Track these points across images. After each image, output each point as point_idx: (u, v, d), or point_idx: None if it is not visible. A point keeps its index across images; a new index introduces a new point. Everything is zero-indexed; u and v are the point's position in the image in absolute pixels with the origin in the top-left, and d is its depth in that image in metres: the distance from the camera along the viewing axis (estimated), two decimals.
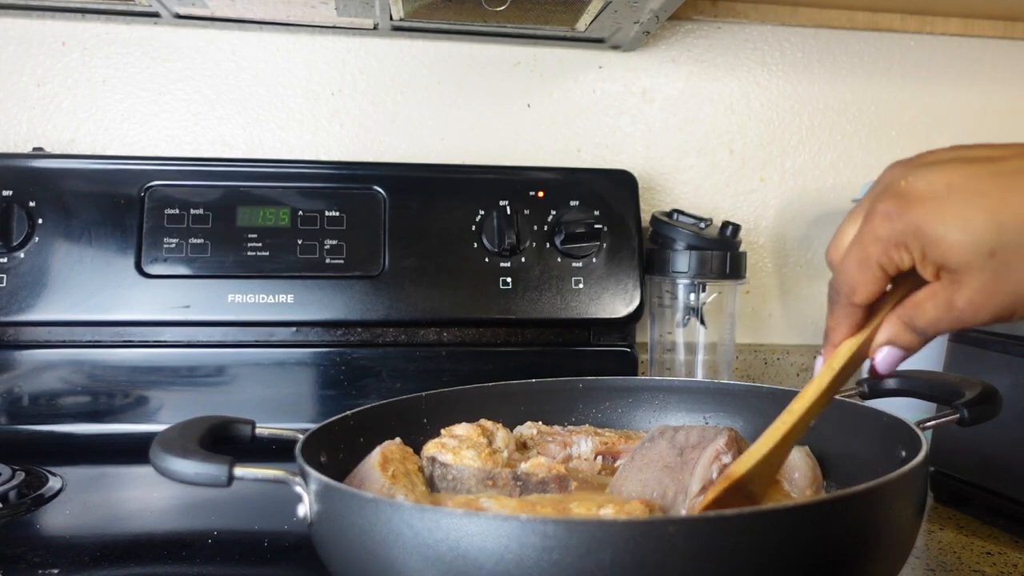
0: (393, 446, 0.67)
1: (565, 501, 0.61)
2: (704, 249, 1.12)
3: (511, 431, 0.75)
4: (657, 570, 0.45)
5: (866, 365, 0.56)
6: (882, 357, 0.53)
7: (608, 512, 0.56)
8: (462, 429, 0.71)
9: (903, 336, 0.52)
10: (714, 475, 0.60)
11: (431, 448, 0.68)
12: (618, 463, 0.73)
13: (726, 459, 0.61)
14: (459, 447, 0.67)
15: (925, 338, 0.51)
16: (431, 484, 0.66)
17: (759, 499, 0.57)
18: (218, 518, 0.78)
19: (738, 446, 0.63)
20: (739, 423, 0.76)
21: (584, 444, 0.74)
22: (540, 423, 0.78)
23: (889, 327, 0.52)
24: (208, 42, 1.17)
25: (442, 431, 0.71)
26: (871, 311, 0.53)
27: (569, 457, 0.74)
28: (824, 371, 0.54)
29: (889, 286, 0.53)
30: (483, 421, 0.73)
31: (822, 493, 0.67)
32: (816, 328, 1.32)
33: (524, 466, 0.67)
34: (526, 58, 1.24)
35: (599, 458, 0.74)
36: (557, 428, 0.77)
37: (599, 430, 0.77)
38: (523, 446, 0.75)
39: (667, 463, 0.64)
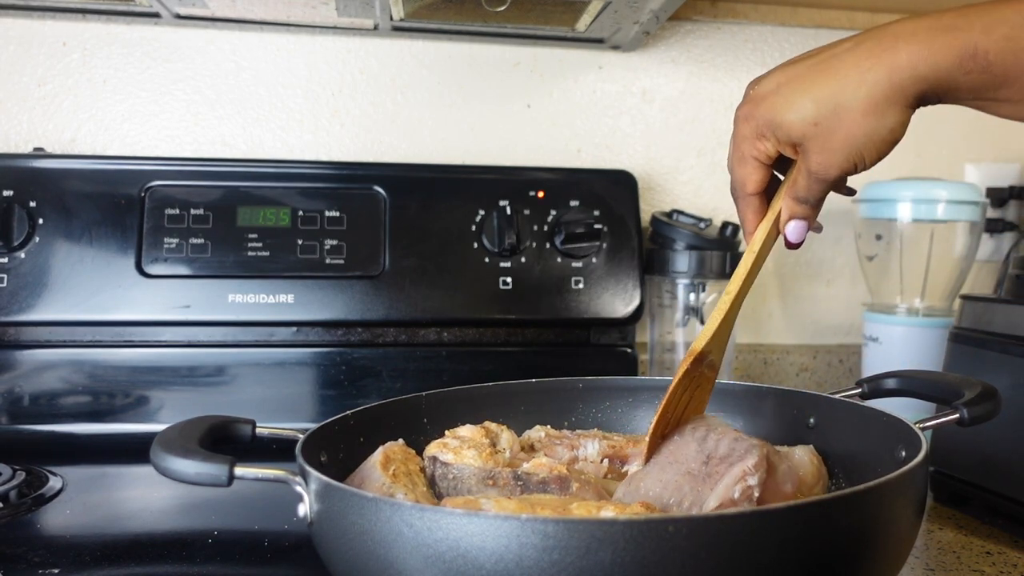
0: (396, 447, 0.67)
1: (565, 503, 0.61)
2: (704, 249, 1.12)
3: (515, 433, 0.75)
4: (657, 570, 0.45)
5: None
6: (791, 230, 0.65)
7: (608, 513, 0.56)
8: (466, 431, 0.71)
9: (796, 208, 0.64)
10: (736, 495, 0.59)
11: (433, 448, 0.68)
12: (625, 468, 0.72)
13: (752, 481, 0.59)
14: (460, 447, 0.67)
15: (810, 204, 0.63)
16: (432, 484, 0.66)
17: (717, 366, 0.68)
18: (218, 518, 0.78)
19: (769, 464, 0.61)
20: (739, 423, 0.76)
21: (591, 446, 0.74)
22: (548, 427, 0.78)
23: (785, 206, 0.64)
24: (208, 42, 1.18)
25: (446, 432, 0.71)
26: (767, 198, 0.66)
27: (575, 459, 0.73)
28: (746, 255, 0.66)
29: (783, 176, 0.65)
30: (487, 423, 0.73)
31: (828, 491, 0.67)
32: (816, 328, 1.32)
33: (526, 466, 0.66)
34: (526, 58, 1.24)
35: (605, 461, 0.73)
36: (566, 432, 0.77)
37: (607, 434, 0.77)
38: (531, 448, 0.75)
39: (691, 469, 0.62)
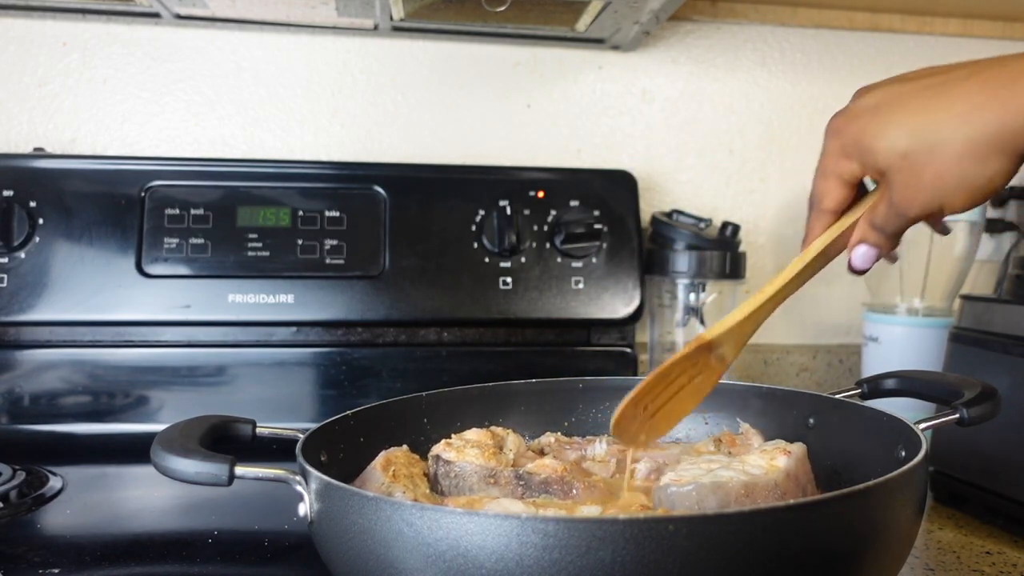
0: (398, 451, 0.67)
1: (570, 508, 0.61)
2: (704, 249, 1.12)
3: (520, 434, 0.74)
4: (657, 569, 0.45)
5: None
6: (858, 255, 0.61)
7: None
8: (472, 434, 0.71)
9: (869, 234, 0.60)
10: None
11: (437, 448, 0.68)
12: (633, 466, 0.72)
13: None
14: (464, 447, 0.67)
15: (884, 234, 0.60)
16: (435, 483, 0.66)
17: (727, 361, 0.64)
18: (218, 518, 0.78)
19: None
20: (739, 423, 0.76)
21: (599, 446, 0.74)
22: (559, 434, 0.78)
23: (859, 228, 0.61)
24: (208, 42, 1.18)
25: (452, 435, 0.71)
26: (841, 216, 0.62)
27: (583, 458, 0.73)
28: (796, 261, 0.63)
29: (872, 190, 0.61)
30: (493, 427, 0.73)
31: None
32: (816, 328, 1.32)
33: (529, 466, 0.67)
34: (526, 58, 1.24)
35: (613, 460, 0.73)
36: (576, 439, 0.77)
37: (617, 439, 0.77)
38: (540, 453, 0.75)
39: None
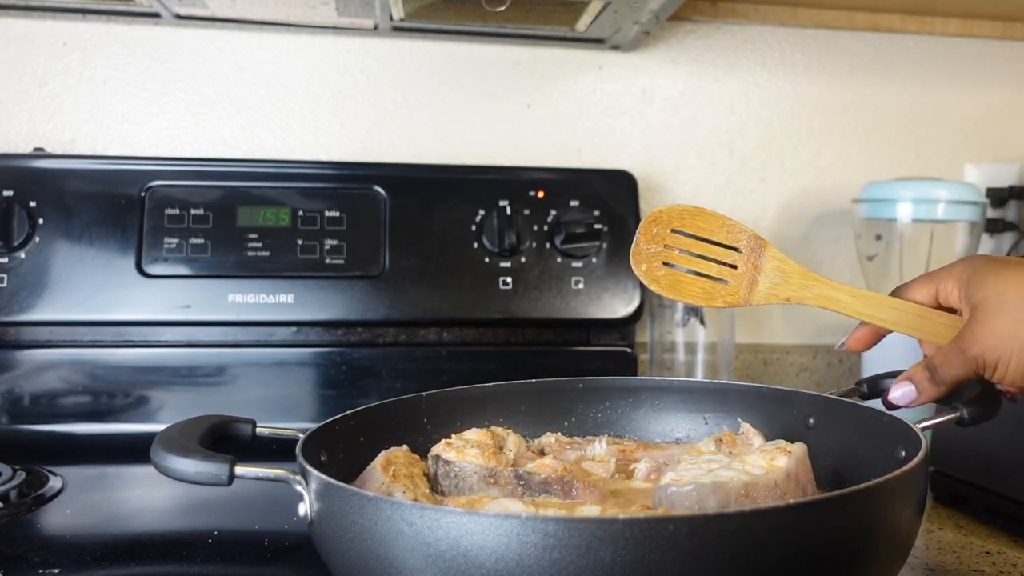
0: (399, 451, 0.67)
1: (571, 508, 0.61)
2: None
3: (520, 434, 0.74)
4: (657, 568, 0.45)
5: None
6: (898, 392, 0.64)
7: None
8: (472, 434, 0.71)
9: (919, 373, 0.64)
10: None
11: (437, 448, 0.68)
12: (633, 467, 0.72)
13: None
14: (464, 447, 0.67)
15: (933, 378, 0.63)
16: (435, 483, 0.66)
17: (757, 288, 0.65)
18: (218, 518, 0.78)
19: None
20: (739, 423, 0.76)
21: (599, 446, 0.74)
22: (559, 434, 0.78)
23: (913, 367, 0.64)
24: (208, 42, 1.18)
25: (452, 435, 0.71)
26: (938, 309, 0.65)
27: (583, 458, 0.73)
28: (867, 290, 0.66)
29: None
30: (494, 428, 0.73)
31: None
32: (815, 328, 1.32)
33: (529, 466, 0.67)
34: (526, 58, 1.24)
35: (613, 460, 0.73)
36: (576, 439, 0.77)
37: (617, 439, 0.77)
38: (540, 453, 0.75)
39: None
